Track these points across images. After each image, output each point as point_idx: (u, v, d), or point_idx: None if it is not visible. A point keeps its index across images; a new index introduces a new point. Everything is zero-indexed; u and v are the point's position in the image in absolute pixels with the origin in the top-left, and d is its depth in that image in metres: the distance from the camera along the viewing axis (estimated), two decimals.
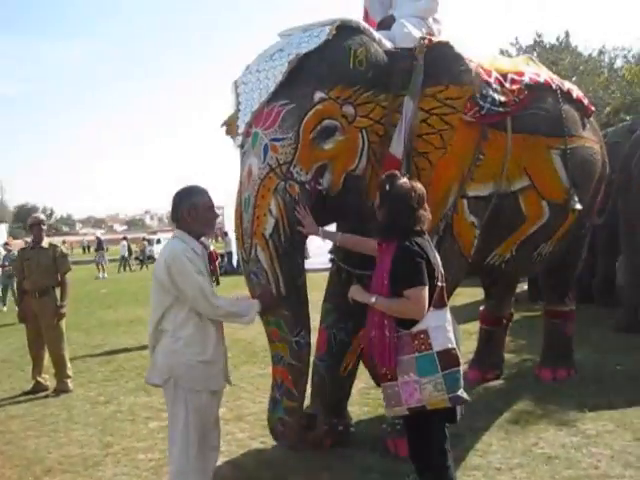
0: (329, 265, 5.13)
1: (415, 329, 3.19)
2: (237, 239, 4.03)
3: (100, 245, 29.43)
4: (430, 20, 4.79)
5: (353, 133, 4.02)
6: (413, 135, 4.10)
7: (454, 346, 3.24)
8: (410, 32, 4.49)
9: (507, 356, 6.95)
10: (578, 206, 5.27)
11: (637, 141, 8.43)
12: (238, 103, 4.13)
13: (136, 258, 35.58)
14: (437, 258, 3.35)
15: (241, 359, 8.32)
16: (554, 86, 5.32)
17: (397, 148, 4.09)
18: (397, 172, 3.58)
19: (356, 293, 3.48)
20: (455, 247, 4.64)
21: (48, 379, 7.56)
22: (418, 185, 3.41)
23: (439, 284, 3.29)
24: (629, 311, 8.49)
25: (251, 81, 4.12)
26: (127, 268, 32.52)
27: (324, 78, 3.95)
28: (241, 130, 4.04)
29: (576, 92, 5.60)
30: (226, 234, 25.84)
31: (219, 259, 18.02)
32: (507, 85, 4.82)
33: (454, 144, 4.39)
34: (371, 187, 4.07)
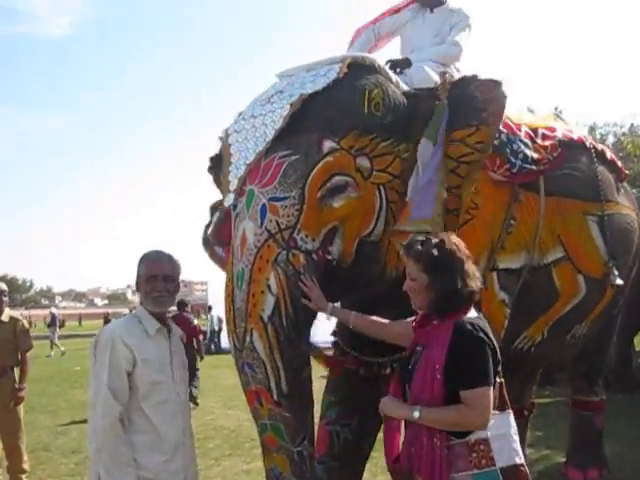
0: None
1: (473, 438, 2.54)
2: (227, 322, 3.23)
3: (53, 321, 27.56)
4: (452, 68, 4.15)
5: (369, 190, 3.31)
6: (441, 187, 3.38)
7: (522, 461, 2.61)
8: (430, 75, 3.84)
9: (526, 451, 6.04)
10: (619, 281, 4.53)
11: None
12: (229, 155, 3.40)
13: None
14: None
15: (224, 451, 7.44)
16: (588, 144, 4.68)
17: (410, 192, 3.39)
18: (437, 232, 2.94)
19: (389, 407, 2.73)
20: None
21: (1, 473, 6.47)
22: (453, 237, 2.82)
23: (498, 380, 2.65)
24: None
25: (245, 128, 3.40)
26: None
27: (334, 124, 3.25)
28: (233, 187, 3.30)
29: (609, 153, 4.96)
30: (210, 309, 24.32)
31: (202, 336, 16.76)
32: (539, 141, 4.18)
33: (482, 207, 3.75)
34: (390, 255, 3.39)
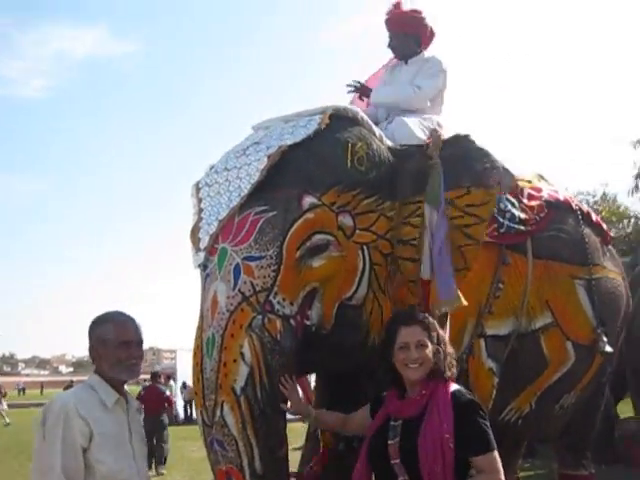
0: None
1: None
2: (196, 394, 2.92)
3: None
4: (432, 121, 3.96)
5: (351, 250, 3.08)
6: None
7: None
8: (413, 131, 3.65)
9: None
10: (608, 349, 4.28)
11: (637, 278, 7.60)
12: (200, 211, 3.14)
13: None
14: None
15: None
16: (574, 206, 4.49)
17: (426, 269, 3.19)
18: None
19: None
20: None
21: None
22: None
23: None
24: None
25: (217, 182, 3.17)
26: None
27: (315, 178, 3.04)
28: (203, 245, 3.03)
29: (594, 215, 4.79)
30: (169, 378, 23.49)
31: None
32: (525, 201, 4.01)
33: (469, 271, 3.51)
34: (373, 322, 3.14)
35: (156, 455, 11.21)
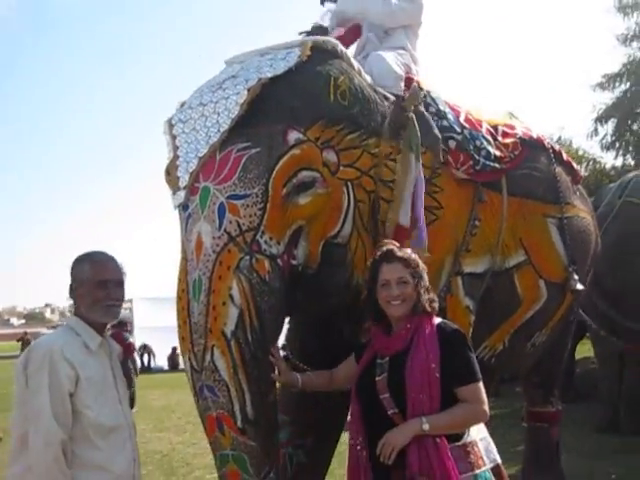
0: None
1: (467, 440, 2.59)
2: (182, 340, 2.79)
3: None
4: (408, 57, 3.85)
5: (336, 187, 2.98)
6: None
7: (500, 461, 2.70)
8: (391, 68, 3.53)
9: None
10: (579, 286, 4.31)
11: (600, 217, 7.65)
12: (175, 148, 2.96)
13: None
14: None
15: (157, 478, 6.80)
16: (546, 144, 4.46)
17: (405, 216, 3.14)
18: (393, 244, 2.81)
19: (396, 438, 2.49)
20: None
21: None
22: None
23: None
24: (609, 408, 7.72)
25: (192, 118, 2.98)
26: None
27: (298, 113, 2.90)
28: (183, 184, 2.87)
29: (565, 154, 4.76)
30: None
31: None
32: (500, 138, 3.95)
33: (446, 207, 3.51)
34: (357, 260, 3.07)
35: None
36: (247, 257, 2.70)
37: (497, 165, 3.79)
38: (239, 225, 2.72)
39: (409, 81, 3.62)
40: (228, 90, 2.95)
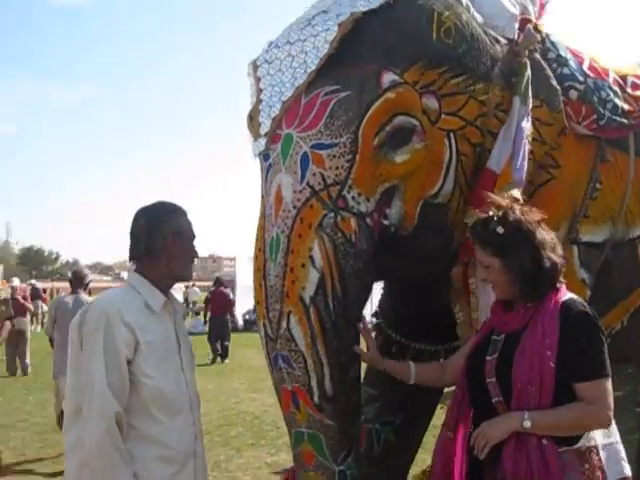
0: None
1: (584, 445, 2.14)
2: (258, 304, 2.54)
3: (37, 294, 22.39)
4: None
5: (437, 139, 2.62)
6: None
7: (630, 473, 2.27)
8: (505, 7, 3.10)
9: None
10: None
11: None
12: (259, 91, 2.69)
13: None
14: None
15: (246, 440, 6.83)
16: None
17: (498, 159, 2.72)
18: (498, 201, 2.33)
19: (491, 429, 2.13)
20: None
21: None
22: (530, 208, 2.35)
23: None
24: None
25: (278, 58, 2.70)
26: None
27: (395, 52, 2.55)
28: (264, 131, 2.60)
29: None
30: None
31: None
32: (629, 90, 3.45)
33: (564, 165, 3.08)
34: (458, 221, 2.71)
35: (221, 352, 13.56)
36: (331, 214, 2.41)
37: (625, 120, 3.31)
38: (324, 178, 2.43)
39: (525, 23, 3.18)
40: (317, 27, 2.64)
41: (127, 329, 2.20)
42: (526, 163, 2.79)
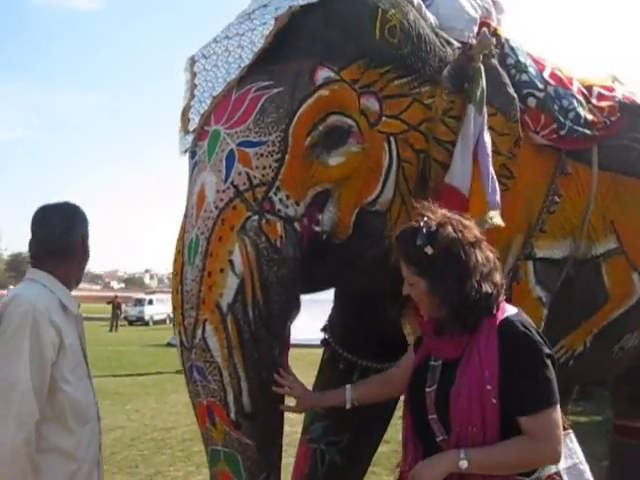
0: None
1: (543, 474, 1.93)
2: (174, 309, 2.38)
3: None
4: (490, 1, 3.26)
5: (376, 142, 2.46)
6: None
7: None
8: (463, 6, 2.96)
9: None
10: None
11: None
12: (193, 87, 2.56)
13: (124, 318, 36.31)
14: None
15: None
16: None
17: (462, 176, 2.57)
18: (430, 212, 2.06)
19: (426, 470, 1.91)
20: None
21: None
22: (468, 223, 2.07)
23: None
24: None
25: (215, 53, 2.56)
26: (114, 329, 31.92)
27: (334, 48, 2.41)
28: (193, 127, 2.45)
29: None
30: None
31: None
32: (594, 100, 3.30)
33: (519, 177, 2.90)
34: None
35: None
36: (256, 217, 2.26)
37: (587, 131, 3.16)
38: (249, 178, 2.28)
39: (485, 26, 3.06)
40: (256, 21, 2.52)
41: (54, 329, 2.07)
42: (497, 184, 2.65)
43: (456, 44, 2.75)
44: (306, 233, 2.36)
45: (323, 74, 2.36)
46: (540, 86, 3.05)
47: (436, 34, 2.69)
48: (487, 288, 1.94)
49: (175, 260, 2.38)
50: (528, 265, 3.04)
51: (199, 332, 2.22)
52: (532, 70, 3.09)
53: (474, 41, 2.82)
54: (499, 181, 2.83)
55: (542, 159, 3.06)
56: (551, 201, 3.07)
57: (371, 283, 2.67)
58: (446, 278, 1.94)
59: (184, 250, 2.32)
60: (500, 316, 1.96)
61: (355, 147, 2.40)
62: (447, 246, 1.95)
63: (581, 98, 3.21)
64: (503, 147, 2.78)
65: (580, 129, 3.13)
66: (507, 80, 2.83)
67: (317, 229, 2.40)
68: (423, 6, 2.76)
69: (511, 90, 2.81)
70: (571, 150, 3.14)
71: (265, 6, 2.54)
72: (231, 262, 2.21)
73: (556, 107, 3.06)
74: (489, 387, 1.84)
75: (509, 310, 2.01)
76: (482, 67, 2.68)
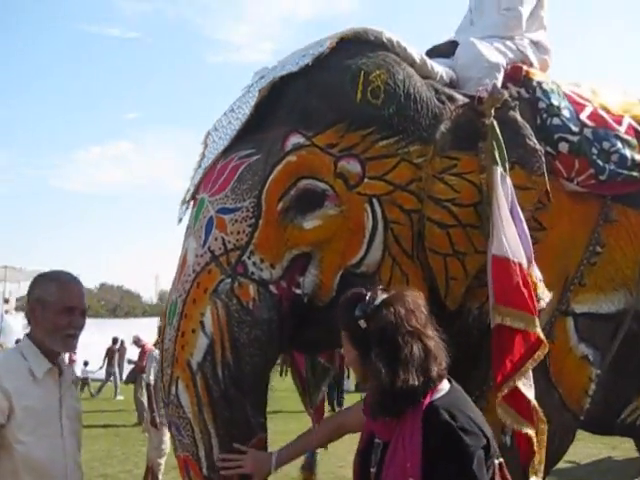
0: None
1: None
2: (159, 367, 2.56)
3: None
4: (526, 43, 3.14)
5: (355, 204, 2.49)
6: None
7: None
8: (482, 53, 2.89)
9: None
10: None
11: None
12: (202, 158, 2.75)
13: None
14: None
15: None
16: None
17: (517, 250, 2.47)
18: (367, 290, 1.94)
19: None
20: (553, 396, 2.81)
21: None
22: (411, 294, 1.91)
23: (496, 461, 1.85)
24: None
25: (223, 125, 2.74)
26: None
27: (311, 114, 2.50)
28: (188, 196, 2.65)
29: None
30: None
31: None
32: None
33: (551, 228, 2.78)
34: None
35: None
36: (228, 280, 2.38)
37: (635, 174, 2.91)
38: (224, 243, 2.41)
39: (516, 70, 2.96)
40: (252, 93, 2.66)
41: (2, 395, 2.20)
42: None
43: (461, 99, 2.67)
44: (285, 296, 2.43)
45: (294, 140, 2.45)
46: (574, 129, 2.88)
47: (437, 90, 2.64)
48: (414, 380, 1.78)
49: (161, 321, 2.56)
50: (567, 322, 2.85)
51: (173, 389, 2.37)
52: (567, 113, 2.92)
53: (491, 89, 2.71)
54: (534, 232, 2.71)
55: (582, 207, 2.88)
56: (592, 252, 2.86)
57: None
58: (375, 358, 1.82)
59: (166, 311, 2.49)
60: (427, 400, 1.81)
61: (332, 210, 2.44)
62: (382, 328, 1.83)
63: (630, 138, 2.97)
64: (527, 202, 2.63)
65: (626, 172, 2.89)
66: (528, 131, 2.67)
67: (298, 292, 2.45)
68: (429, 62, 2.75)
69: (532, 141, 2.66)
70: (618, 195, 2.91)
71: (262, 77, 2.68)
72: (202, 323, 2.34)
73: (594, 150, 2.87)
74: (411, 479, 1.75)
75: (439, 391, 1.85)
76: (495, 122, 2.57)
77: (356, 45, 2.59)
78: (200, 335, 2.34)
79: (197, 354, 2.33)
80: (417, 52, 2.73)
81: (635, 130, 3.02)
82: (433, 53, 3.07)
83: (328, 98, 2.50)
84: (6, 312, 26.46)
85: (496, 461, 1.85)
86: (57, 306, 2.32)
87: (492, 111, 2.60)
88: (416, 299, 1.91)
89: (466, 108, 2.64)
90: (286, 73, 2.53)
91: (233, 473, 2.32)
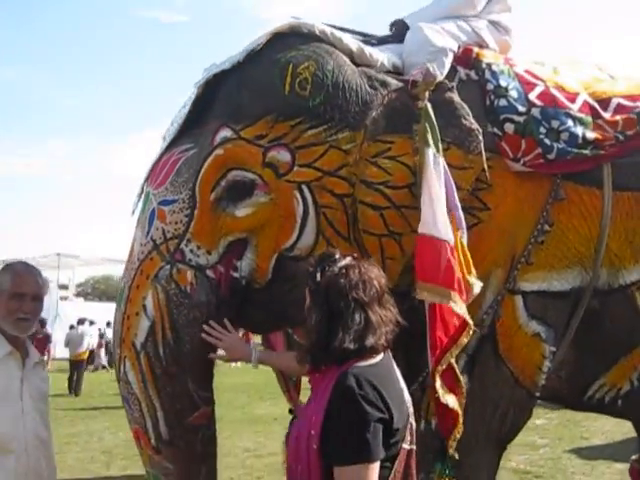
0: None
1: None
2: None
3: None
4: (482, 24, 3.16)
5: (284, 192, 2.63)
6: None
7: None
8: (428, 38, 2.93)
9: None
10: None
11: None
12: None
13: None
14: (407, 397, 1.96)
15: None
16: None
17: (439, 224, 2.52)
18: (338, 252, 2.05)
19: None
20: (503, 372, 2.86)
21: None
22: (372, 269, 1.99)
23: (405, 446, 1.89)
24: None
25: (175, 121, 2.92)
26: None
27: (242, 109, 2.66)
28: (139, 189, 2.86)
29: None
30: None
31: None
32: (606, 115, 2.98)
33: (496, 208, 2.81)
34: None
35: None
36: (168, 266, 2.58)
37: (586, 151, 2.88)
38: (164, 232, 2.61)
39: (467, 53, 3.00)
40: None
41: None
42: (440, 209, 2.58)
43: (395, 84, 2.74)
44: (224, 279, 2.61)
45: (222, 134, 2.62)
46: (521, 109, 2.88)
47: (369, 77, 2.72)
48: (350, 344, 1.87)
49: (116, 307, 2.78)
50: (515, 300, 2.87)
51: (122, 367, 2.61)
52: (514, 93, 2.92)
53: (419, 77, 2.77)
54: (471, 214, 2.77)
55: (530, 187, 2.88)
56: (540, 230, 2.87)
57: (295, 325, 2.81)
58: (320, 312, 1.94)
59: (117, 297, 2.71)
60: (346, 367, 1.88)
61: (263, 198, 2.60)
62: (331, 287, 1.93)
63: (582, 115, 2.94)
64: (463, 182, 2.69)
65: (576, 150, 2.87)
66: (464, 111, 2.72)
67: (236, 275, 2.62)
68: (367, 50, 2.83)
69: (468, 121, 2.70)
70: (569, 173, 2.92)
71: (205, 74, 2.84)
72: (144, 307, 2.56)
73: (542, 130, 2.87)
74: (313, 432, 1.83)
75: (367, 361, 1.91)
76: (429, 105, 2.64)
77: (289, 39, 2.71)
78: (143, 318, 2.56)
79: (140, 335, 2.55)
80: (354, 41, 2.82)
81: (590, 107, 2.97)
82: (390, 38, 3.14)
83: (258, 92, 2.64)
84: (64, 299, 27.41)
85: (406, 446, 1.90)
86: (9, 292, 2.53)
87: (426, 94, 2.66)
88: (371, 273, 1.98)
89: (400, 92, 2.71)
90: (219, 71, 2.69)
91: (212, 342, 2.57)
